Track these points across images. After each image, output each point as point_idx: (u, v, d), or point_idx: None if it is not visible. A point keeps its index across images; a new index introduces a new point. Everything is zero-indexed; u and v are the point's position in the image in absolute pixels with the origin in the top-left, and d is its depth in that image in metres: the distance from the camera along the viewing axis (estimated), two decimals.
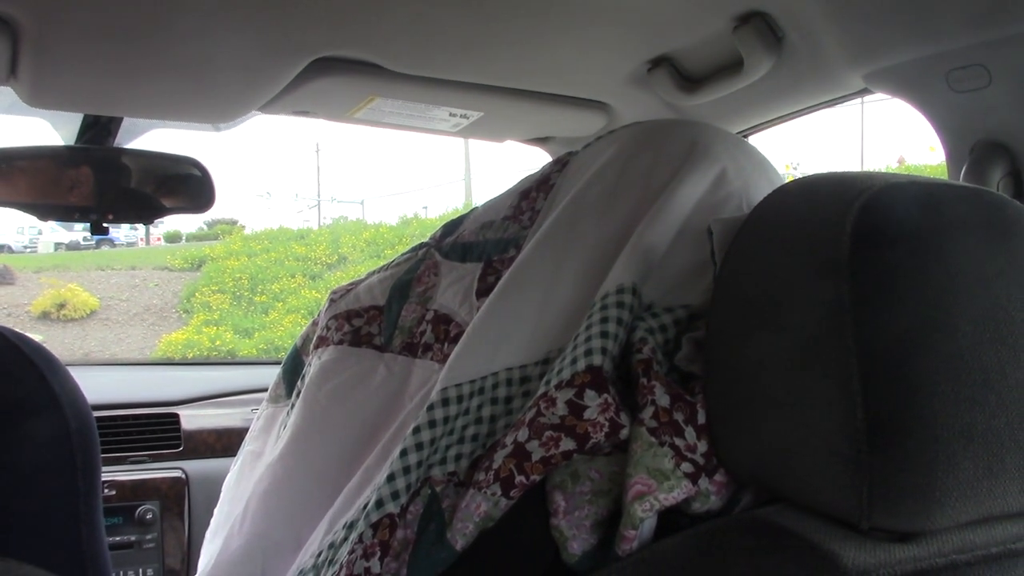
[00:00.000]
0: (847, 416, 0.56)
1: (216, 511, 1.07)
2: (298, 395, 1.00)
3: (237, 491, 1.05)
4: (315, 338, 1.03)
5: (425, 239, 1.04)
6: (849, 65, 1.10)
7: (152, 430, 1.96)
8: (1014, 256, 0.58)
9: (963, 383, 0.55)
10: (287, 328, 11.20)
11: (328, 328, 1.01)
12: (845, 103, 1.30)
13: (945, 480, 0.54)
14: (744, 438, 0.66)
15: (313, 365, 0.99)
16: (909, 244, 0.56)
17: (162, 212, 1.53)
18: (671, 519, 0.69)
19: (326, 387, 0.95)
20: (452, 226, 1.02)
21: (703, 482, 0.68)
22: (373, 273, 1.05)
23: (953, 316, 0.55)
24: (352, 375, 0.95)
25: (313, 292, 12.35)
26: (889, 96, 1.10)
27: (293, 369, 1.09)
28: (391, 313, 0.97)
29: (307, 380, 0.99)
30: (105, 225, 1.45)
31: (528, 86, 1.44)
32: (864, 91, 1.18)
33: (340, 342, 0.98)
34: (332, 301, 1.04)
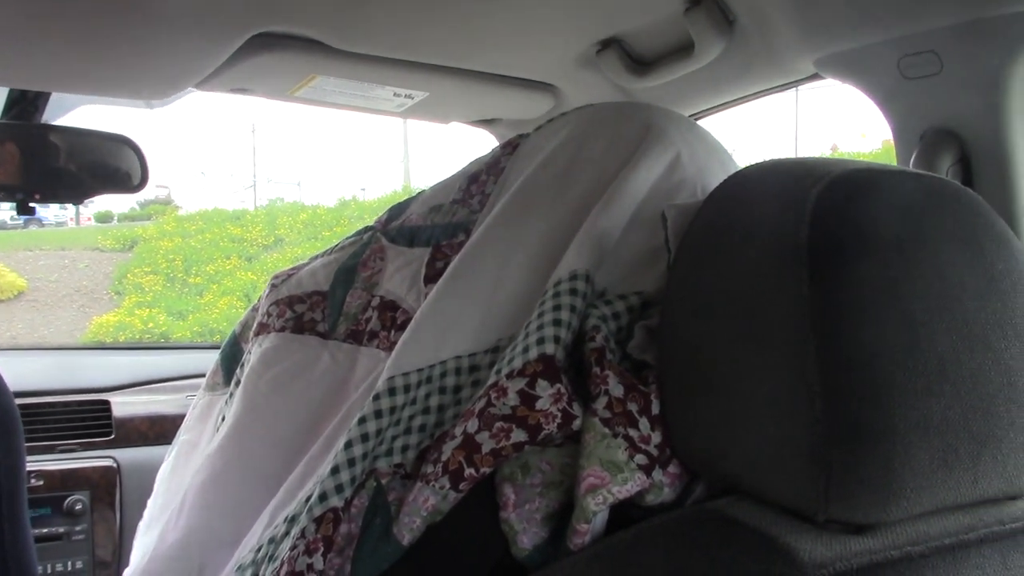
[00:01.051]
0: (805, 408, 0.55)
1: (150, 502, 1.04)
2: (237, 384, 0.97)
3: (172, 482, 1.02)
4: (255, 325, 1.00)
5: (369, 222, 1.02)
6: (800, 50, 1.10)
7: (82, 417, 1.90)
8: (967, 244, 0.58)
9: (920, 374, 0.54)
10: (222, 310, 11.02)
11: (269, 314, 0.97)
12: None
13: (902, 472, 0.54)
14: (699, 429, 0.65)
15: (253, 353, 0.96)
16: (866, 232, 0.56)
17: (92, 192, 1.48)
18: (623, 511, 0.67)
19: (267, 375, 0.92)
20: (398, 210, 1.00)
21: (657, 474, 0.67)
22: (316, 257, 1.02)
23: (909, 306, 0.55)
24: (294, 363, 0.92)
25: (249, 274, 12.16)
26: (840, 82, 1.10)
27: (232, 356, 1.05)
28: (335, 299, 0.94)
29: (247, 368, 0.95)
30: (32, 205, 1.39)
31: (475, 66, 1.41)
32: (815, 76, 1.18)
33: (282, 329, 0.95)
34: (273, 286, 1.01)
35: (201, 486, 0.91)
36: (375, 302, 0.91)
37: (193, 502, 0.91)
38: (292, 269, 1.03)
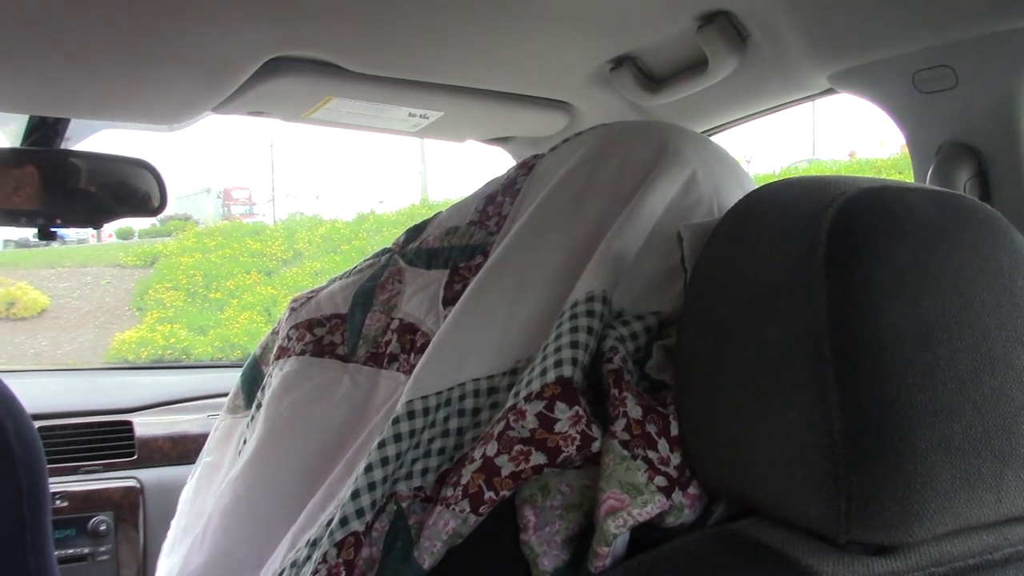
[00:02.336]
0: (824, 428, 0.55)
1: (173, 523, 1.04)
2: (259, 407, 0.97)
3: (195, 504, 1.02)
4: (276, 348, 1.00)
5: (387, 235, 1.02)
6: (814, 65, 1.10)
7: (105, 438, 1.91)
8: (986, 261, 0.58)
9: (940, 393, 0.54)
10: (243, 325, 11.06)
11: (289, 338, 0.98)
12: None
13: (923, 492, 0.54)
14: (718, 450, 0.65)
15: (274, 376, 0.96)
16: (884, 251, 0.55)
17: (113, 216, 1.49)
18: (644, 533, 0.67)
19: (288, 399, 0.92)
20: (415, 231, 1.00)
21: (677, 495, 0.66)
22: (334, 280, 1.03)
23: (929, 324, 0.55)
24: (315, 387, 0.92)
25: (269, 288, 12.19)
26: (855, 96, 1.09)
27: (252, 379, 1.06)
28: (354, 322, 0.95)
29: (268, 392, 0.96)
30: (53, 230, 1.41)
31: (489, 85, 1.42)
32: (829, 91, 1.17)
33: (302, 352, 0.95)
34: (292, 310, 1.01)
35: (224, 510, 0.91)
36: (394, 325, 0.91)
37: (216, 526, 0.91)
38: (311, 292, 1.03)
